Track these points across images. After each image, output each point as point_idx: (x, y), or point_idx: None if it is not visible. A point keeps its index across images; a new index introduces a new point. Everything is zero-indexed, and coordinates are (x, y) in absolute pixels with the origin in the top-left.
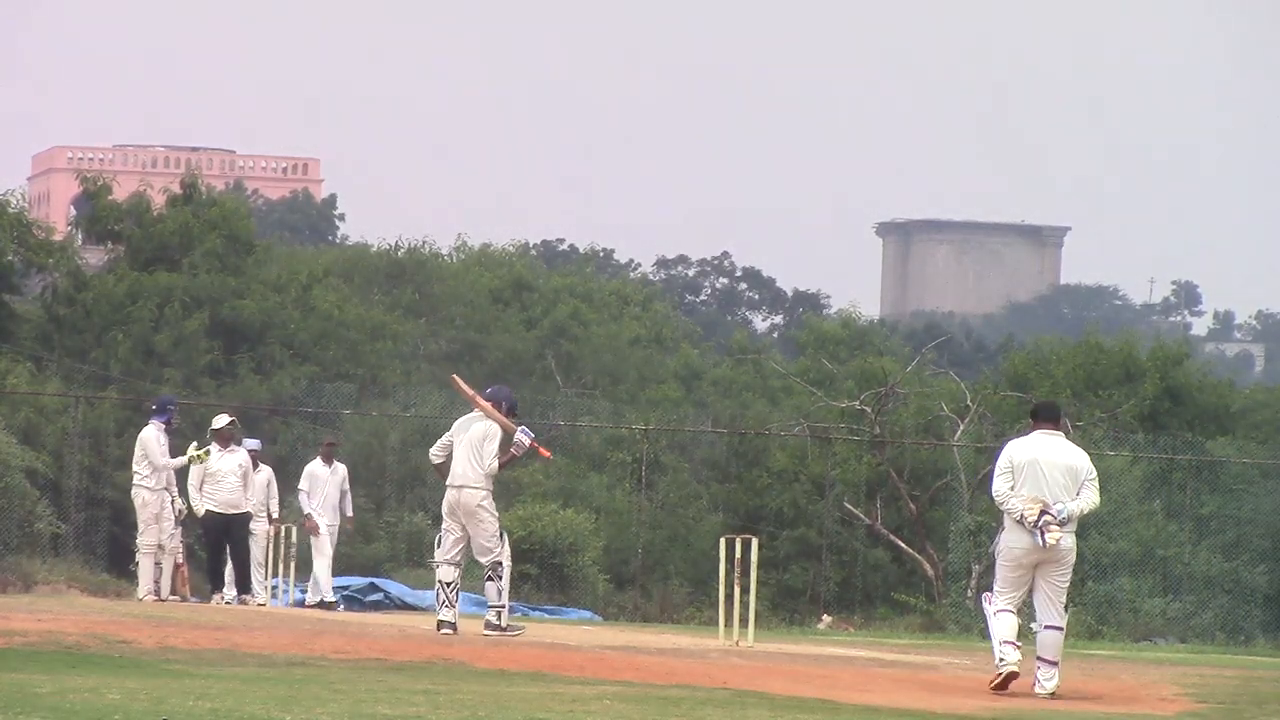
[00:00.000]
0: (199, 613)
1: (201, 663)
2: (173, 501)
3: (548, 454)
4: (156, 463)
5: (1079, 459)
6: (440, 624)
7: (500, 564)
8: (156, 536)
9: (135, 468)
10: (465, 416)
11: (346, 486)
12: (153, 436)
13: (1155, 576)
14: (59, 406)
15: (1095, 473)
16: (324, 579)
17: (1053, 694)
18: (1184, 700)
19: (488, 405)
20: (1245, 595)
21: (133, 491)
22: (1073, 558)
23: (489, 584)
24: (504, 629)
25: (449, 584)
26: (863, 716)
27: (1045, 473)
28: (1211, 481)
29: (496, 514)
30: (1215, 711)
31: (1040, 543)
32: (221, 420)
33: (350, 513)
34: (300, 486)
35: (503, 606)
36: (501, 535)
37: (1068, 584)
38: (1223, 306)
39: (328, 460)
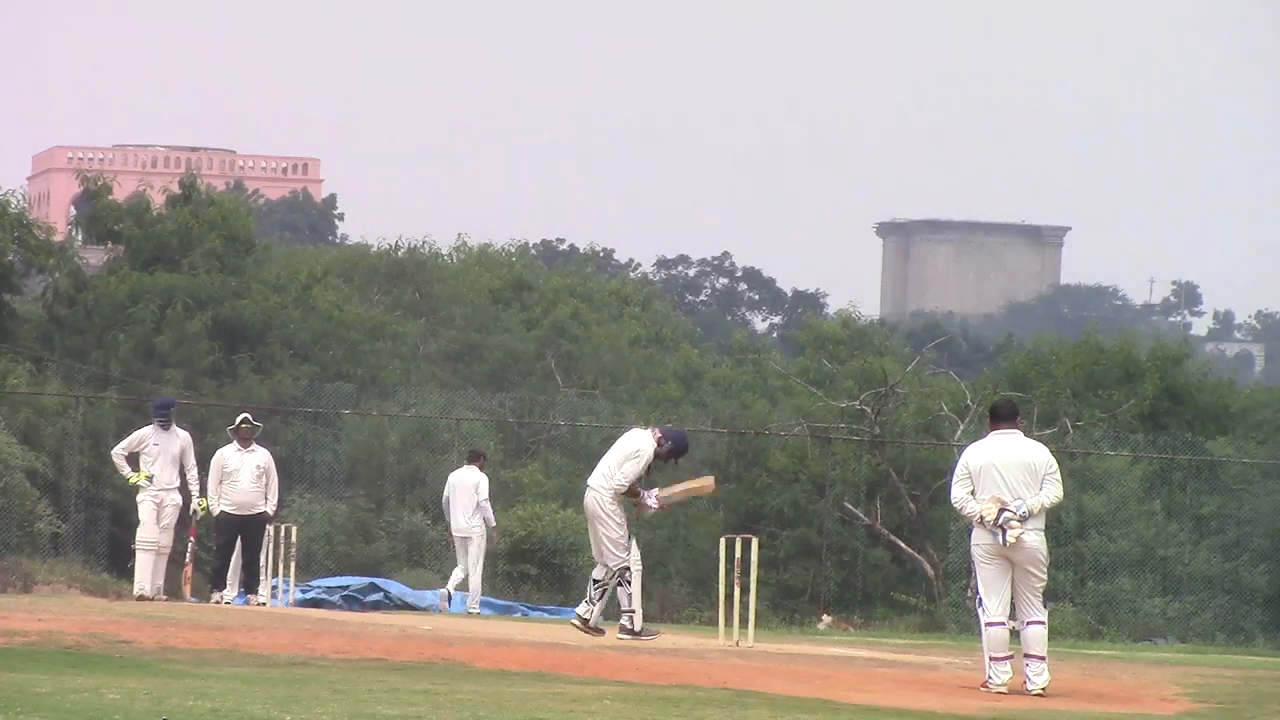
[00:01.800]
0: (199, 613)
1: (202, 663)
2: (187, 502)
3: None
4: (116, 448)
5: (1036, 455)
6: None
7: (628, 569)
8: (154, 534)
9: None
10: (633, 430)
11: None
12: (142, 434)
13: (1155, 576)
14: (59, 407)
15: (1056, 466)
16: (477, 587)
17: (1043, 690)
18: (1184, 700)
19: (680, 492)
20: (1245, 595)
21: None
22: (1043, 555)
23: (619, 589)
24: (637, 633)
25: (596, 581)
26: (863, 716)
27: (1002, 472)
28: (1211, 481)
29: (622, 521)
30: (1215, 711)
31: (1001, 541)
32: (238, 419)
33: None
34: (483, 499)
35: (633, 611)
36: (630, 541)
37: (1044, 580)
38: (1223, 306)
39: (481, 469)
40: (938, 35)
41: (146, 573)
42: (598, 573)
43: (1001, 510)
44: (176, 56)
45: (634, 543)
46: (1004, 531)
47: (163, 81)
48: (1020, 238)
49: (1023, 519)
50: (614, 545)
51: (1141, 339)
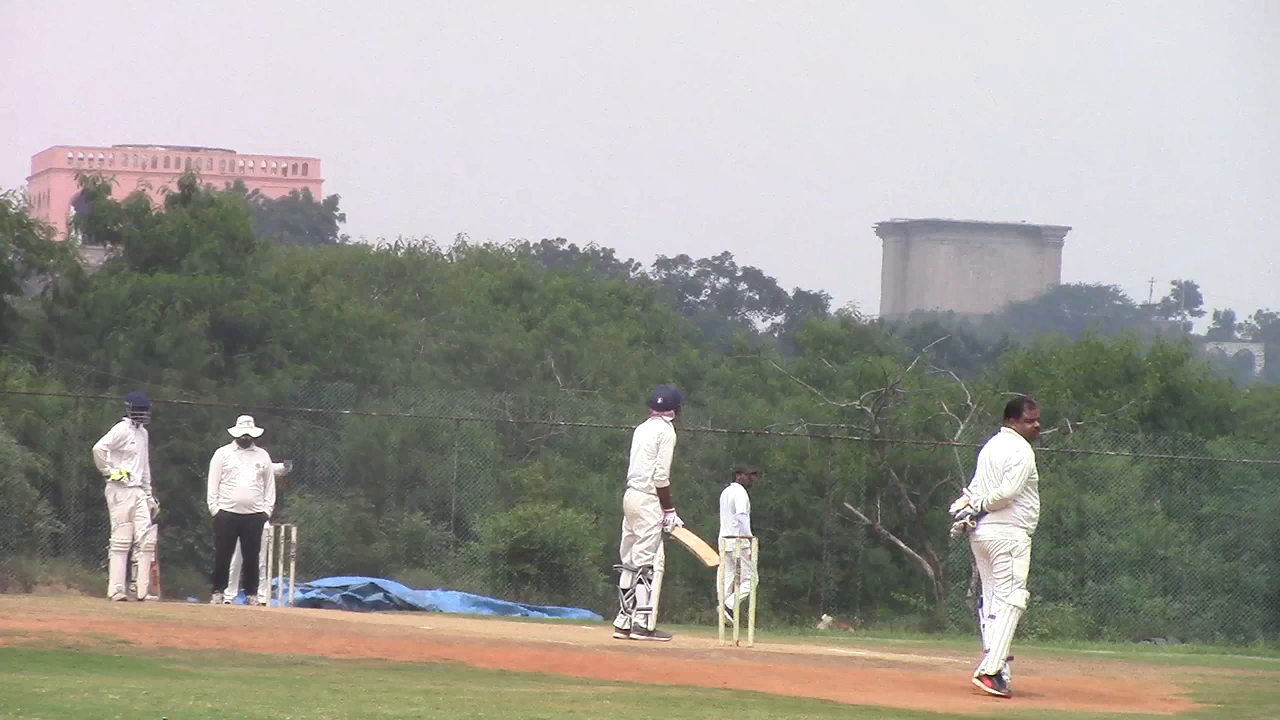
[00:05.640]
0: (199, 613)
1: (201, 663)
2: (147, 500)
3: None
4: (102, 443)
5: (1003, 452)
6: (615, 629)
7: (651, 568)
8: (129, 534)
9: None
10: (645, 424)
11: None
12: (123, 430)
13: (1155, 576)
14: (59, 407)
15: (1019, 462)
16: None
17: (980, 677)
18: (1184, 700)
19: (690, 542)
20: (1245, 595)
21: (105, 489)
22: (1000, 548)
23: (639, 587)
24: (651, 632)
25: (625, 590)
26: (863, 716)
27: (979, 469)
28: (1211, 481)
29: (657, 521)
30: (1215, 711)
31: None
32: (242, 430)
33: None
34: (739, 513)
35: (649, 609)
36: (659, 543)
37: (1008, 573)
38: (1223, 306)
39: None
40: (938, 35)
41: (121, 575)
42: (625, 580)
43: (964, 506)
44: (176, 56)
45: (661, 544)
46: (961, 527)
47: (163, 81)
48: (1020, 238)
49: (976, 515)
50: (643, 543)
51: (1142, 339)
